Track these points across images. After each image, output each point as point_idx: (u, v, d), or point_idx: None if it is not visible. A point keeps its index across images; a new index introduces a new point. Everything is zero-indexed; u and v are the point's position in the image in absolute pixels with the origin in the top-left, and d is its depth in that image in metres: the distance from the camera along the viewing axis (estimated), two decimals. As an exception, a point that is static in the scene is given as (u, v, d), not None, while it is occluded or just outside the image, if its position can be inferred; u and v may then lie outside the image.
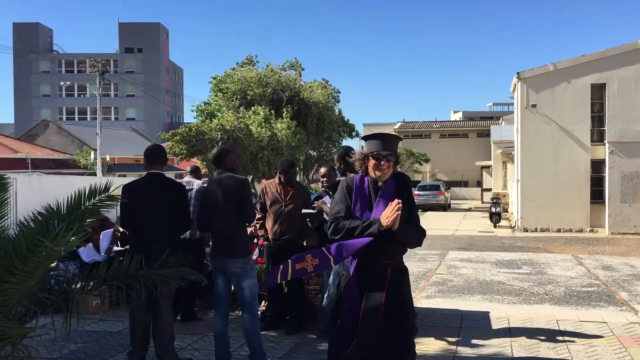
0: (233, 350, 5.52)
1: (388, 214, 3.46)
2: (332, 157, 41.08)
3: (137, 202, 5.09)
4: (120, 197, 4.53)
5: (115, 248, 8.36)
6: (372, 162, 3.67)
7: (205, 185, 7.11)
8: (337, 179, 6.09)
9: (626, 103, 20.21)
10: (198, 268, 5.56)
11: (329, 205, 5.59)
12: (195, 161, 27.77)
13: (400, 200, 3.49)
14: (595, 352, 5.73)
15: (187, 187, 6.78)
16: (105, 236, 8.03)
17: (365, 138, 3.79)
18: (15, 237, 3.87)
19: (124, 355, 5.48)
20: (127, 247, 7.74)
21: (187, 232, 6.55)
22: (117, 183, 4.47)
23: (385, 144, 3.67)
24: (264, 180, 27.44)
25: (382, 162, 3.64)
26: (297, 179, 6.66)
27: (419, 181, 41.06)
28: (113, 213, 6.51)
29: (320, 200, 5.79)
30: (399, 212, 3.44)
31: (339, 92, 39.38)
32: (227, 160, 5.28)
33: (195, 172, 7.54)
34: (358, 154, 3.77)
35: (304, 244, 6.39)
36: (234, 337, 5.79)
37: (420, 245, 3.84)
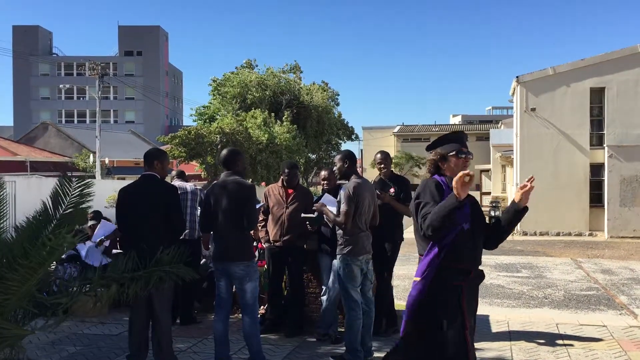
0: (233, 353, 5.51)
1: (457, 180, 3.31)
2: (331, 160, 41.09)
3: (132, 204, 5.10)
4: (91, 179, 4.45)
5: (115, 251, 8.32)
6: (453, 160, 3.68)
7: (199, 188, 7.19)
8: (337, 182, 6.07)
9: (625, 107, 20.23)
10: (194, 269, 5.54)
11: (328, 207, 5.58)
12: (195, 164, 27.77)
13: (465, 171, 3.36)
14: (595, 356, 5.73)
15: (179, 192, 6.77)
16: (102, 226, 7.94)
17: (441, 139, 3.82)
18: (14, 240, 3.87)
19: (122, 358, 5.47)
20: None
21: (185, 234, 6.54)
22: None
23: (465, 142, 3.77)
24: (263, 184, 27.48)
25: (468, 160, 3.71)
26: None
27: (418, 185, 40.97)
28: (114, 216, 6.46)
29: (319, 202, 5.78)
30: (470, 175, 3.31)
31: (338, 95, 39.41)
32: (238, 163, 5.32)
33: (182, 176, 7.56)
34: (434, 155, 3.77)
35: (304, 246, 6.40)
36: (234, 340, 5.77)
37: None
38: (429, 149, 3.86)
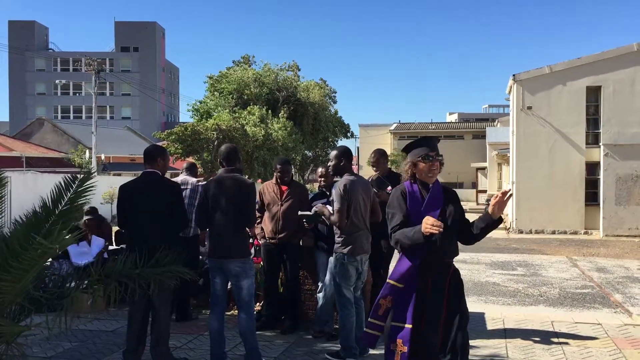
0: (228, 350, 5.51)
1: (428, 225, 3.51)
2: (327, 157, 41.10)
3: (132, 201, 5.08)
4: (93, 182, 4.50)
5: (110, 247, 8.33)
6: (421, 165, 3.80)
7: (200, 184, 7.05)
8: (334, 179, 6.06)
9: (621, 106, 20.28)
10: (192, 267, 5.54)
11: (330, 209, 5.58)
12: (191, 160, 27.65)
13: (436, 222, 3.52)
14: (590, 354, 5.75)
15: (182, 187, 6.74)
16: (95, 243, 7.96)
17: (409, 146, 3.95)
18: (10, 235, 3.86)
19: (118, 355, 5.46)
20: (122, 246, 7.73)
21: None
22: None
23: (432, 146, 3.86)
24: (259, 181, 27.45)
25: (434, 164, 3.79)
26: (294, 178, 6.65)
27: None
28: (110, 212, 6.44)
29: (321, 205, 5.77)
30: (439, 229, 3.50)
31: (335, 92, 39.42)
32: (238, 159, 5.35)
33: (191, 169, 7.42)
34: (406, 162, 3.92)
35: (300, 243, 6.40)
36: (229, 337, 5.77)
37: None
38: (405, 152, 4.01)
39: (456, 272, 3.86)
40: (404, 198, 3.82)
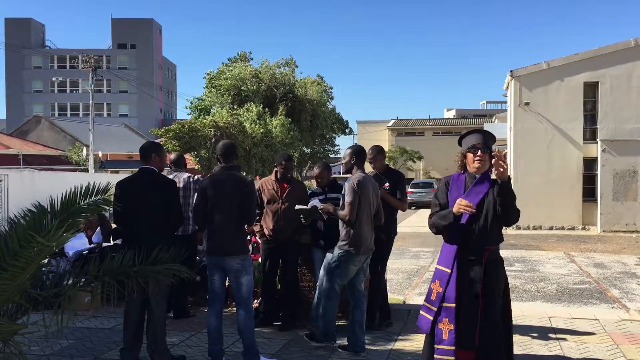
0: (226, 346, 5.52)
1: (461, 205, 3.79)
2: (326, 154, 41.06)
3: (129, 198, 5.07)
4: (113, 195, 4.52)
5: (105, 244, 8.31)
6: (469, 156, 4.00)
7: (192, 180, 6.92)
8: (347, 174, 6.01)
9: (619, 101, 20.29)
10: (190, 264, 5.53)
11: (334, 206, 5.60)
12: (189, 158, 27.62)
13: (468, 204, 3.80)
14: (588, 349, 5.76)
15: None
16: (97, 234, 7.99)
17: (462, 137, 4.17)
18: (7, 233, 3.85)
19: (116, 352, 5.46)
20: (118, 241, 7.70)
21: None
22: (110, 180, 4.46)
23: (482, 138, 4.01)
24: (257, 177, 27.44)
25: (479, 153, 3.94)
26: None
27: (412, 179, 41.12)
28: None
29: (328, 203, 5.77)
30: (471, 209, 3.78)
31: (332, 89, 39.40)
32: (235, 156, 5.37)
33: (178, 162, 7.05)
34: (458, 154, 4.12)
35: (299, 240, 6.38)
36: (227, 334, 5.77)
37: (517, 220, 4.10)
38: (459, 143, 4.24)
39: (495, 261, 3.97)
40: (446, 187, 4.05)
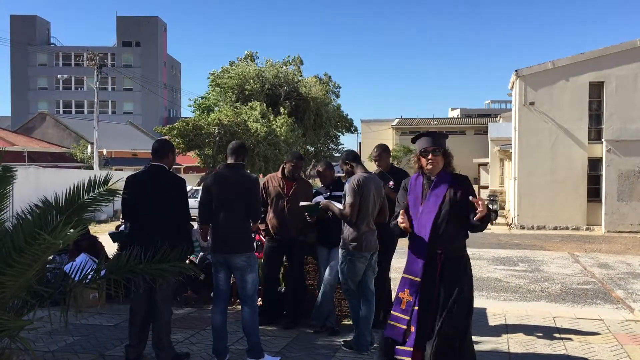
0: (231, 344, 5.53)
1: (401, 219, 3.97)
2: (329, 152, 41.06)
3: (138, 194, 5.07)
4: (119, 191, 4.51)
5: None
6: (421, 159, 4.12)
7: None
8: (344, 179, 6.04)
9: (624, 101, 20.24)
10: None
11: (335, 204, 5.61)
12: (192, 157, 27.68)
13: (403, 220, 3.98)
14: (592, 349, 5.75)
15: None
16: (78, 260, 7.75)
17: (413, 141, 4.29)
18: (13, 230, 3.86)
19: (121, 349, 5.48)
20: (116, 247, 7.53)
21: None
22: (115, 177, 4.45)
23: (430, 140, 4.12)
24: (260, 176, 27.46)
25: (430, 156, 4.06)
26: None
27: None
28: (108, 212, 6.43)
29: (327, 201, 5.78)
30: (405, 224, 3.95)
31: (340, 87, 39.37)
32: (246, 155, 5.43)
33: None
34: (413, 156, 4.26)
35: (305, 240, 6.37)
36: (231, 331, 5.78)
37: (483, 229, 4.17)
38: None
39: (453, 260, 4.02)
40: (405, 191, 4.19)
